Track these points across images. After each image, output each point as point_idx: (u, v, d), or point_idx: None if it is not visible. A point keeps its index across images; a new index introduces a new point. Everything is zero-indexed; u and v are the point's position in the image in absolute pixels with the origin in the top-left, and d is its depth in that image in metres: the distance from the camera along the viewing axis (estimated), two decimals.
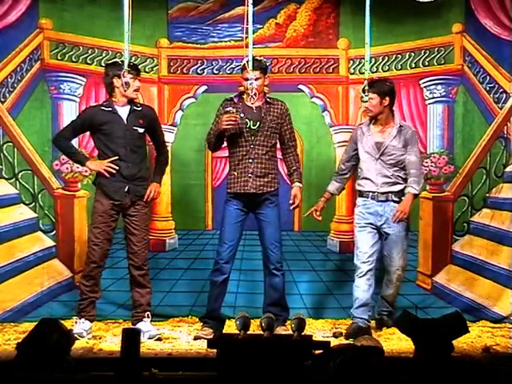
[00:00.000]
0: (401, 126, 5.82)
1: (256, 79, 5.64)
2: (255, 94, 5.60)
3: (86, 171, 6.36)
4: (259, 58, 5.71)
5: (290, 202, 5.80)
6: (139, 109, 5.74)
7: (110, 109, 5.66)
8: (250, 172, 5.69)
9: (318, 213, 5.96)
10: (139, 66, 6.07)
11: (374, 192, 5.81)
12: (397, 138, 5.78)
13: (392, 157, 5.77)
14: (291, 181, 5.86)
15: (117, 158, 5.61)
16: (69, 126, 5.86)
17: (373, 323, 5.99)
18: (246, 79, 5.62)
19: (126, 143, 5.64)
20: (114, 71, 5.65)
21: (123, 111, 5.68)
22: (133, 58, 6.22)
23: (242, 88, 5.76)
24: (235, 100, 5.75)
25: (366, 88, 5.73)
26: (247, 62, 5.55)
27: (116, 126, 5.63)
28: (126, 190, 5.65)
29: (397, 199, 5.77)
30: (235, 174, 5.73)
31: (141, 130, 5.69)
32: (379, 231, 5.83)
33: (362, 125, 5.94)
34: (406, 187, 5.78)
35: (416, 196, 5.82)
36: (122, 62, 5.74)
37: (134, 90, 5.66)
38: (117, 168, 5.60)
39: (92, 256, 5.67)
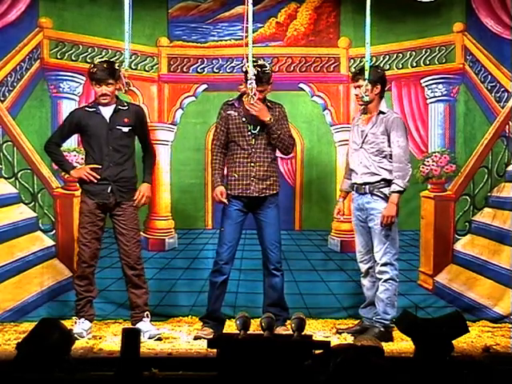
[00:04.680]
0: (381, 113, 5.66)
1: (262, 91, 5.59)
2: (255, 94, 5.57)
3: None
4: (265, 70, 5.62)
5: None
6: (125, 108, 5.71)
7: (93, 109, 5.66)
8: (253, 176, 5.69)
9: (341, 213, 5.88)
10: (139, 65, 6.05)
11: (356, 184, 5.72)
12: (377, 124, 5.64)
13: (372, 145, 5.64)
14: None
15: (100, 166, 5.60)
16: (57, 131, 5.90)
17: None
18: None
19: (108, 143, 5.62)
20: (88, 73, 5.66)
21: (107, 111, 5.65)
22: (133, 57, 6.24)
23: (241, 87, 5.73)
24: (236, 104, 5.75)
25: (368, 88, 5.68)
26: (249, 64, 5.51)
27: (98, 125, 5.62)
28: (108, 190, 5.63)
29: (375, 191, 5.61)
30: (236, 176, 5.72)
31: (125, 129, 5.66)
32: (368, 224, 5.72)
33: (356, 116, 5.91)
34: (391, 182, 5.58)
35: (401, 192, 5.60)
36: (95, 65, 5.68)
37: (99, 95, 5.60)
38: (98, 177, 5.59)
39: (82, 256, 5.68)
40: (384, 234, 5.61)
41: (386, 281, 5.62)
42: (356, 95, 5.74)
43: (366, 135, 5.67)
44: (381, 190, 5.62)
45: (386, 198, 5.61)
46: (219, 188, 5.68)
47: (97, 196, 5.64)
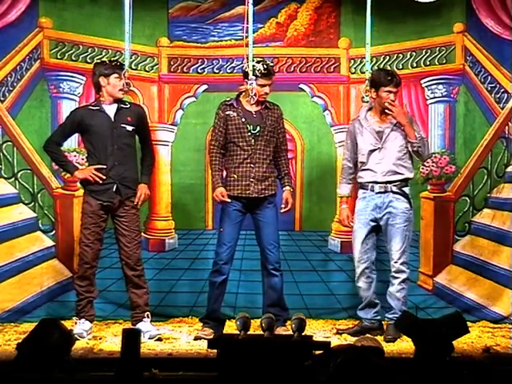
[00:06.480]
0: None
1: (270, 84, 5.65)
2: (255, 95, 5.58)
3: None
4: (269, 63, 5.74)
5: (282, 206, 5.80)
6: (127, 106, 5.71)
7: (97, 108, 5.65)
8: (252, 176, 5.68)
9: (350, 218, 5.90)
10: (139, 65, 6.04)
11: (373, 182, 5.75)
12: (395, 122, 5.72)
13: (394, 142, 5.70)
14: (282, 184, 5.84)
15: (104, 167, 5.59)
16: (58, 129, 5.87)
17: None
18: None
19: (113, 141, 5.62)
20: (101, 70, 5.62)
21: (110, 109, 5.65)
22: (133, 57, 6.24)
23: (242, 87, 5.73)
24: (235, 104, 5.74)
25: (368, 88, 5.70)
26: (254, 63, 5.54)
27: (103, 124, 5.61)
28: (114, 190, 5.63)
29: (397, 190, 5.70)
30: (235, 176, 5.71)
31: (129, 128, 5.66)
32: (377, 224, 5.77)
33: (358, 118, 5.88)
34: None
35: (416, 138, 5.63)
36: (110, 61, 5.73)
37: (119, 89, 5.63)
38: (104, 177, 5.59)
39: (84, 257, 5.67)
40: (404, 234, 5.69)
41: (403, 281, 5.70)
42: (390, 102, 5.69)
43: (388, 134, 5.72)
44: (402, 189, 5.72)
45: (406, 197, 5.72)
46: (219, 189, 5.67)
47: (102, 195, 5.62)
